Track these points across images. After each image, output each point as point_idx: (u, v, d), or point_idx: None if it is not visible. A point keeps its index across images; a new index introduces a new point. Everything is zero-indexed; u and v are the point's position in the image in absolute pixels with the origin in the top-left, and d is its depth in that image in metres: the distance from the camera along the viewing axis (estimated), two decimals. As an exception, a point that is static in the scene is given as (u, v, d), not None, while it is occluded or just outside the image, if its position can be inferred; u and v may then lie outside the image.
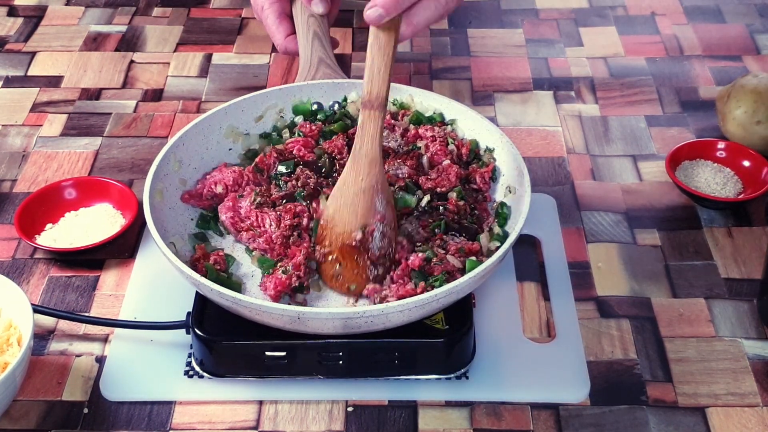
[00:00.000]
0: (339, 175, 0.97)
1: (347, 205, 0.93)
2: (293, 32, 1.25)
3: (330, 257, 0.94)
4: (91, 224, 1.09)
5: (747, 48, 1.44)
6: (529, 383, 0.93)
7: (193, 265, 0.94)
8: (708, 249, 1.09)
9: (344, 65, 1.35)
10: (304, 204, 0.97)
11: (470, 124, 1.07)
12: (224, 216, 0.99)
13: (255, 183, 1.02)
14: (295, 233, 0.96)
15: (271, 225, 0.96)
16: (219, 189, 1.01)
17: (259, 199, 0.97)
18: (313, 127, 1.09)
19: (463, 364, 0.93)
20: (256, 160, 1.04)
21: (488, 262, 0.88)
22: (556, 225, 1.11)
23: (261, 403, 0.92)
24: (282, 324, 0.86)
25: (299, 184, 0.99)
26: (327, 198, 0.96)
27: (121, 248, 1.09)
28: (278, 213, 0.96)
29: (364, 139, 0.92)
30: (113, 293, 1.04)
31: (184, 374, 0.94)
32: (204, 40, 1.46)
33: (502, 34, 1.48)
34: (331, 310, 0.84)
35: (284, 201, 0.98)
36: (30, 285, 1.05)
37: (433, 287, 0.89)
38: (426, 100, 1.10)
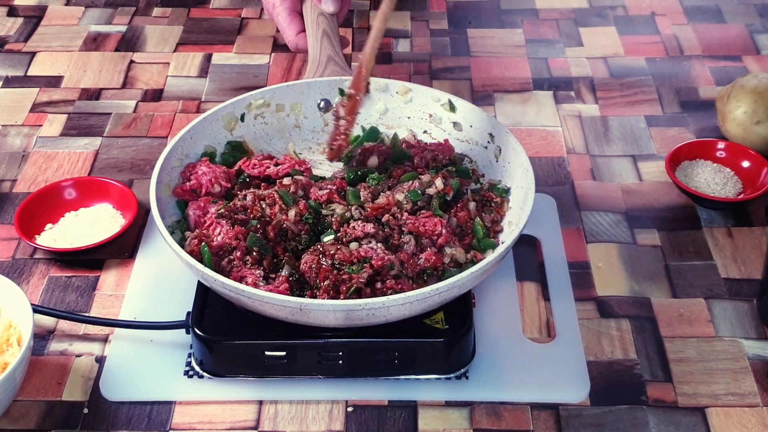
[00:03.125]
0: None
1: None
2: (304, 29, 1.26)
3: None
4: (91, 224, 1.09)
5: (747, 48, 1.44)
6: (529, 383, 0.93)
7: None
8: (708, 249, 1.09)
9: (344, 65, 1.36)
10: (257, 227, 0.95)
11: (475, 122, 1.07)
12: (192, 212, 0.99)
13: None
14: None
15: (219, 235, 0.95)
16: (216, 188, 1.02)
17: (222, 211, 0.97)
18: None
19: (463, 364, 0.93)
20: (239, 163, 1.04)
21: (490, 259, 0.89)
22: (556, 225, 1.11)
23: (261, 403, 0.92)
24: (284, 315, 0.86)
25: (254, 213, 0.98)
26: None
27: (121, 248, 1.09)
28: (226, 229, 0.95)
29: None
30: (113, 293, 1.04)
31: (184, 374, 0.94)
32: (204, 40, 1.46)
33: (502, 34, 1.48)
34: (334, 302, 0.85)
35: (239, 222, 0.96)
36: (30, 285, 1.05)
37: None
38: (427, 97, 1.10)
